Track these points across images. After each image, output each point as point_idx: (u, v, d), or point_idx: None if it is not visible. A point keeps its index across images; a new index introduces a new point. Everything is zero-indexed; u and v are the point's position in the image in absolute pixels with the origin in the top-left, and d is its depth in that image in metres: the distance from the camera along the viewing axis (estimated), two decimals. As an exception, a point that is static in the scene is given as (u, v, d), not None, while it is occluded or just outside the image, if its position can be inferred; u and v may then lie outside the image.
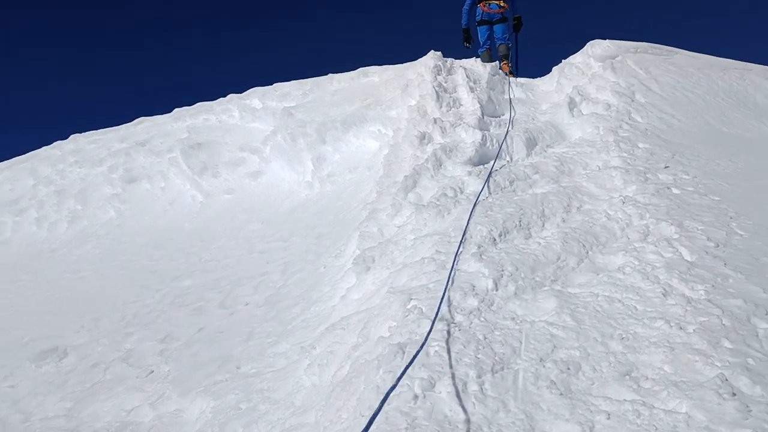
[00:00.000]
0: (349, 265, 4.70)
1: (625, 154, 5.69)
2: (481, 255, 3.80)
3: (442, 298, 2.69)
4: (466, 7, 9.60)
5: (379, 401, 2.10)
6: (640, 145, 5.93)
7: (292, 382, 3.54)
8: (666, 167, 5.31)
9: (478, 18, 9.63)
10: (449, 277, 3.13)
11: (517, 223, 4.40)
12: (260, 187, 9.40)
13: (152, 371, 4.49)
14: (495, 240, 4.12)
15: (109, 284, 7.00)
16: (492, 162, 5.72)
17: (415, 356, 2.08)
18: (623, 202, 4.64)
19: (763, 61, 9.14)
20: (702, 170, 5.25)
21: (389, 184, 6.04)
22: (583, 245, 4.01)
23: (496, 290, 3.44)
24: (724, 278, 3.39)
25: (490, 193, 5.11)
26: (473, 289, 3.42)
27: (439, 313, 3.10)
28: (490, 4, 9.41)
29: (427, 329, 2.80)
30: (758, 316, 3.00)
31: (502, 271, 3.61)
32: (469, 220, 4.31)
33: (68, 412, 4.17)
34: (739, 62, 8.74)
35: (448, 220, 4.62)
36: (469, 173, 5.44)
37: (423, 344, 2.16)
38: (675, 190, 4.79)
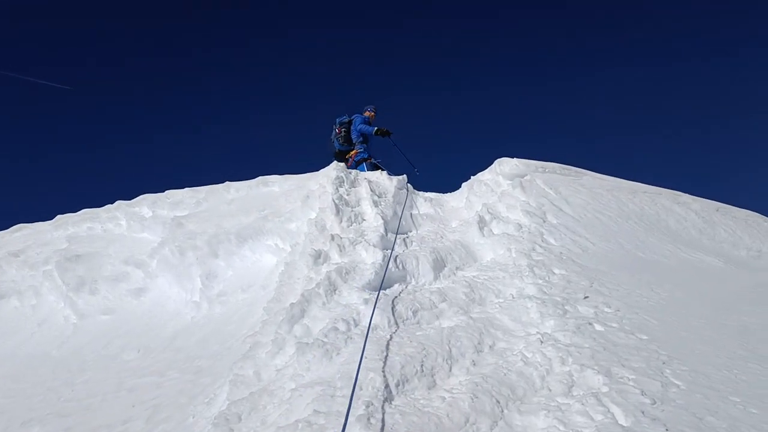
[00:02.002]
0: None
1: (540, 281, 5.13)
2: (369, 419, 2.97)
3: None
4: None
5: None
6: (556, 270, 5.41)
7: None
8: (585, 297, 4.76)
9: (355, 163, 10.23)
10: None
11: (419, 368, 3.63)
12: (143, 306, 8.30)
13: None
14: (391, 393, 3.31)
15: (-47, 431, 5.75)
16: (393, 287, 5.02)
17: None
18: (541, 341, 3.98)
19: (668, 186, 9.14)
20: (624, 302, 4.72)
21: (277, 311, 5.19)
22: (498, 401, 3.26)
23: (386, 473, 2.60)
24: (670, 451, 2.71)
25: (389, 326, 4.36)
26: (355, 473, 2.56)
27: None
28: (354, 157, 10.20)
29: None
30: None
31: (396, 442, 2.78)
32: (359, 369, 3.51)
33: None
34: (647, 186, 8.68)
35: (336, 363, 3.79)
36: (366, 301, 4.68)
37: None
38: (598, 327, 4.20)
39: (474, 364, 3.81)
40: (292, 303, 4.76)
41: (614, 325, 4.25)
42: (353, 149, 10.09)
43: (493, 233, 6.65)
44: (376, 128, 10.32)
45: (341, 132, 10.18)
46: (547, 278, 5.23)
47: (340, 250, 5.91)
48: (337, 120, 10.33)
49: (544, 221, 6.87)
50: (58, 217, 11.23)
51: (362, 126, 10.04)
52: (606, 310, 4.53)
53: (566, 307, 4.55)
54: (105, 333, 7.78)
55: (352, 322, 4.37)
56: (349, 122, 10.25)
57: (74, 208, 11.26)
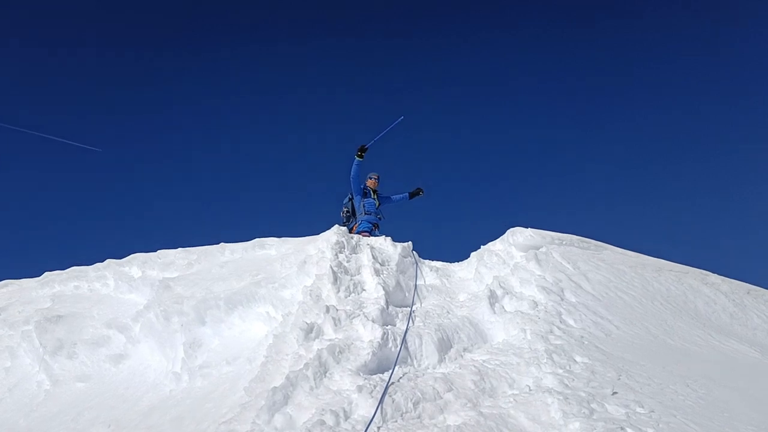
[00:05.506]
0: None
1: (560, 371, 4.49)
2: None
3: None
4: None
5: None
6: (578, 358, 4.77)
7: None
8: (614, 393, 4.11)
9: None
10: None
11: (418, 481, 2.98)
12: (121, 374, 7.68)
13: None
14: None
15: None
16: (390, 373, 4.38)
17: None
18: (566, 451, 3.33)
19: (694, 264, 8.52)
20: (658, 400, 4.06)
21: (259, 393, 4.55)
22: None
23: None
24: None
25: (384, 421, 3.72)
26: None
27: None
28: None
29: None
30: None
31: None
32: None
33: None
34: (673, 263, 8.08)
35: (318, 469, 3.14)
36: (360, 388, 4.05)
37: None
38: (631, 432, 3.55)
39: (484, 477, 3.15)
40: (275, 387, 4.13)
41: (650, 430, 3.59)
42: (355, 223, 9.63)
43: (505, 310, 6.03)
44: (408, 193, 10.43)
45: (345, 213, 9.84)
46: (568, 367, 4.59)
47: (335, 324, 5.31)
48: (342, 204, 10.02)
49: (562, 299, 6.26)
50: (46, 274, 10.77)
51: (352, 176, 9.60)
52: (639, 410, 3.87)
53: (593, 405, 3.90)
54: (77, 402, 7.16)
55: (341, 415, 3.74)
56: (350, 200, 9.83)
57: (65, 265, 10.80)
